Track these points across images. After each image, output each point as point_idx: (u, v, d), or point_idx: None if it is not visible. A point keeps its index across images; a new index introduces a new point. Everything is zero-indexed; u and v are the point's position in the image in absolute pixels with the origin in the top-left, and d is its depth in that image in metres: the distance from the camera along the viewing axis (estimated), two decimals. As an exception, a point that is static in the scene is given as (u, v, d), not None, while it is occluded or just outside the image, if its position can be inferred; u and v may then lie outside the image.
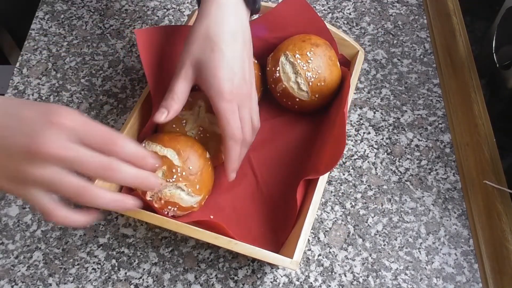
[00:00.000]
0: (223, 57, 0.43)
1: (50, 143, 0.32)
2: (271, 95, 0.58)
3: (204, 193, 0.48)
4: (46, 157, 0.32)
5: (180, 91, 0.45)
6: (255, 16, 0.58)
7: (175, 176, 0.46)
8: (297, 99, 0.55)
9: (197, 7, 0.61)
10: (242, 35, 0.45)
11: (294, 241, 0.44)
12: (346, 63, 0.59)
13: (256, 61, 0.59)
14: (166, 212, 0.47)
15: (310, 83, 0.53)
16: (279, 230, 0.50)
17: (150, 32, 0.53)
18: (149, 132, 0.52)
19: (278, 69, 0.54)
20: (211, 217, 0.49)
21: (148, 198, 0.46)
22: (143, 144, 0.49)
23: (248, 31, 0.47)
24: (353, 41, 0.58)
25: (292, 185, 0.51)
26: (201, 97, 0.52)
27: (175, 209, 0.47)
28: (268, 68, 0.57)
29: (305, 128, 0.57)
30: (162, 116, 0.45)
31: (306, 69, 0.53)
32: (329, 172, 0.51)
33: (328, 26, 0.58)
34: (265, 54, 0.59)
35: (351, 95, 0.54)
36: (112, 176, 0.35)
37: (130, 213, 0.45)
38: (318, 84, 0.54)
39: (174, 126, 0.51)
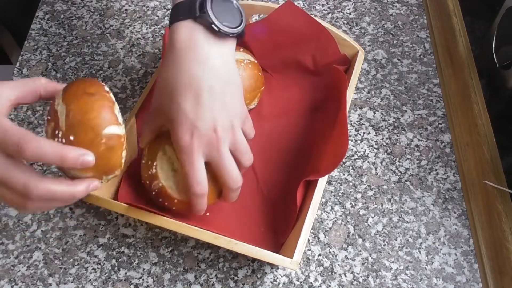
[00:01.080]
0: (179, 110, 0.40)
1: None
2: (269, 96, 0.58)
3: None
4: None
5: (147, 140, 0.47)
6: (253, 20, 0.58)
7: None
8: None
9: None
10: (208, 81, 0.40)
11: (294, 241, 0.44)
12: (347, 62, 0.59)
13: (256, 61, 0.59)
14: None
15: None
16: (279, 230, 0.50)
17: None
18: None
19: None
20: (207, 214, 0.49)
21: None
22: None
23: (224, 71, 0.42)
24: (353, 41, 0.58)
25: (292, 185, 0.51)
26: (164, 142, 0.46)
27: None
28: None
29: (305, 128, 0.57)
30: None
31: None
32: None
33: (328, 26, 0.58)
34: (265, 54, 0.59)
35: (351, 96, 0.54)
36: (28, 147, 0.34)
37: (130, 213, 0.45)
38: None
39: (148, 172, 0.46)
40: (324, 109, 0.57)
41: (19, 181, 0.35)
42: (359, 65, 0.57)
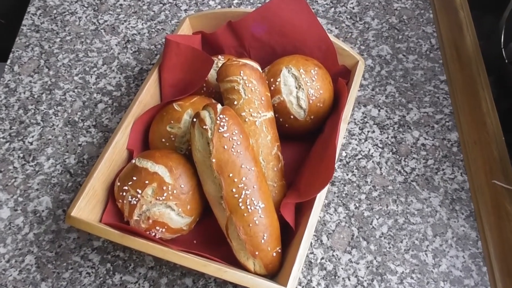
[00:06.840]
0: None
1: None
2: None
3: (195, 215, 0.46)
4: None
5: None
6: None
7: (165, 194, 0.43)
8: (291, 117, 0.52)
9: (194, 8, 0.59)
10: None
11: (289, 267, 0.42)
12: (346, 75, 0.57)
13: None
14: (153, 234, 0.44)
15: (311, 101, 0.52)
16: None
17: (178, 44, 0.53)
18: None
19: (278, 80, 0.52)
20: (194, 242, 0.48)
21: (135, 218, 0.44)
22: (134, 161, 0.47)
23: None
24: (352, 51, 0.56)
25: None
26: (190, 106, 0.50)
27: (163, 230, 0.44)
28: None
29: (299, 146, 0.55)
30: None
31: (310, 86, 0.52)
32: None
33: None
34: (264, 57, 0.57)
35: (350, 109, 0.52)
36: None
37: (114, 238, 0.43)
38: (318, 104, 0.52)
39: (163, 140, 0.49)
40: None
41: None
42: (358, 76, 0.55)
